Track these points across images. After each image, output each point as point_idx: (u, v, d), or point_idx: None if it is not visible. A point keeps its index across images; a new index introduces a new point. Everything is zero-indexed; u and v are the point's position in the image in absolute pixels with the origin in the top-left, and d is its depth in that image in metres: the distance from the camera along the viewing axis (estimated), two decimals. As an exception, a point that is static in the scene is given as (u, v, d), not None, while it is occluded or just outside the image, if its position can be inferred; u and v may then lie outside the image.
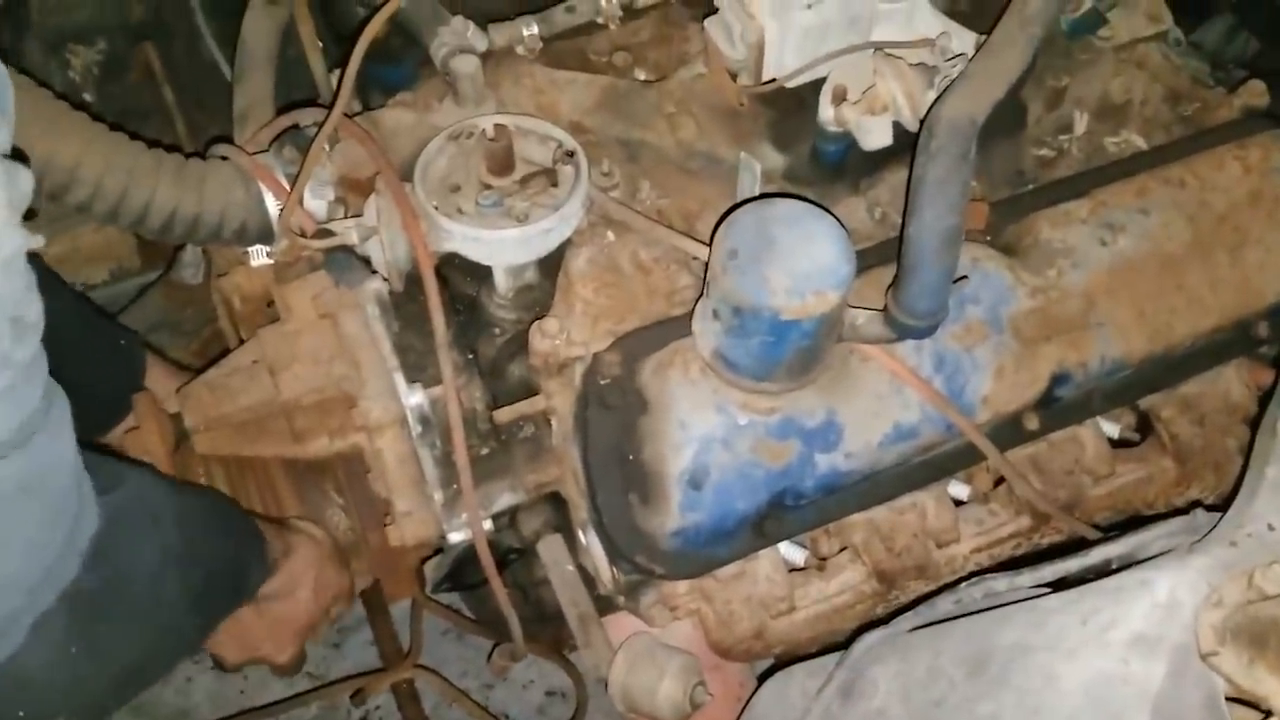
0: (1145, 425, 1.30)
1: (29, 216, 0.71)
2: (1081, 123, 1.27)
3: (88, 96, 1.72)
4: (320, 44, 1.35)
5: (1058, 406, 1.16)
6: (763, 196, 0.97)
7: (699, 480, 1.01)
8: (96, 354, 1.26)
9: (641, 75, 1.29)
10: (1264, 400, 0.89)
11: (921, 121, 0.92)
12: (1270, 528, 0.80)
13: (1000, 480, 1.24)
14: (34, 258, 1.15)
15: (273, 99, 1.28)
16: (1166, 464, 1.27)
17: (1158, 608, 0.77)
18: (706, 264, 0.95)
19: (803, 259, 0.87)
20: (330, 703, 1.97)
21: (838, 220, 0.91)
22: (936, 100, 0.92)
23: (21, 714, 0.87)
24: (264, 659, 1.26)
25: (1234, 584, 0.76)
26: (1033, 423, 1.16)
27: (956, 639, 0.89)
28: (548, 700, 2.06)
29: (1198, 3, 1.57)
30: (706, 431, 1.00)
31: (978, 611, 0.92)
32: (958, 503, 1.23)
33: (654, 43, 1.31)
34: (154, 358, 1.35)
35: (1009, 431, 1.15)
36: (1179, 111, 1.30)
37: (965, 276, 1.01)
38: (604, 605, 1.24)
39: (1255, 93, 1.28)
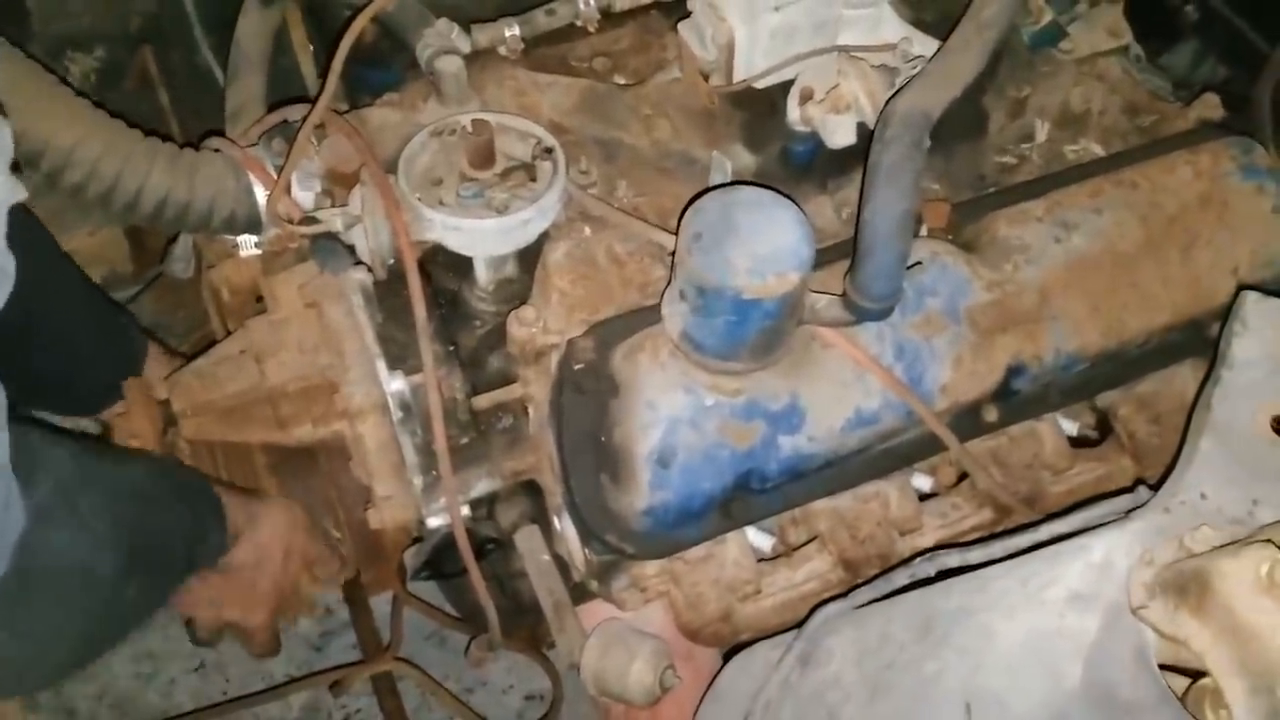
0: (1104, 425, 1.34)
1: (15, 170, 0.74)
2: (1043, 131, 1.33)
3: (86, 103, 1.78)
4: (310, 48, 1.40)
5: (1016, 400, 1.21)
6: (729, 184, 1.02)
7: (667, 459, 1.05)
8: (100, 334, 1.30)
9: (621, 80, 1.34)
10: (1204, 380, 0.94)
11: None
12: (1202, 496, 0.84)
13: (963, 476, 1.29)
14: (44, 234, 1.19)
15: (264, 98, 1.33)
16: (1125, 463, 1.31)
17: (1093, 568, 0.81)
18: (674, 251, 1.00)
19: (765, 241, 0.92)
20: (313, 702, 2.00)
21: (799, 206, 0.96)
22: (893, 95, 0.97)
23: None
24: (234, 624, 1.29)
25: (1165, 546, 0.80)
26: (991, 415, 1.20)
27: (906, 607, 0.93)
28: (526, 704, 2.08)
29: (1166, 27, 1.62)
30: (674, 412, 1.04)
31: (928, 582, 0.96)
32: (922, 496, 1.27)
33: (633, 50, 1.37)
34: (152, 345, 1.39)
35: (968, 422, 1.19)
36: (1136, 123, 1.35)
37: (919, 262, 1.06)
38: (579, 594, 1.28)
39: (1209, 105, 1.34)
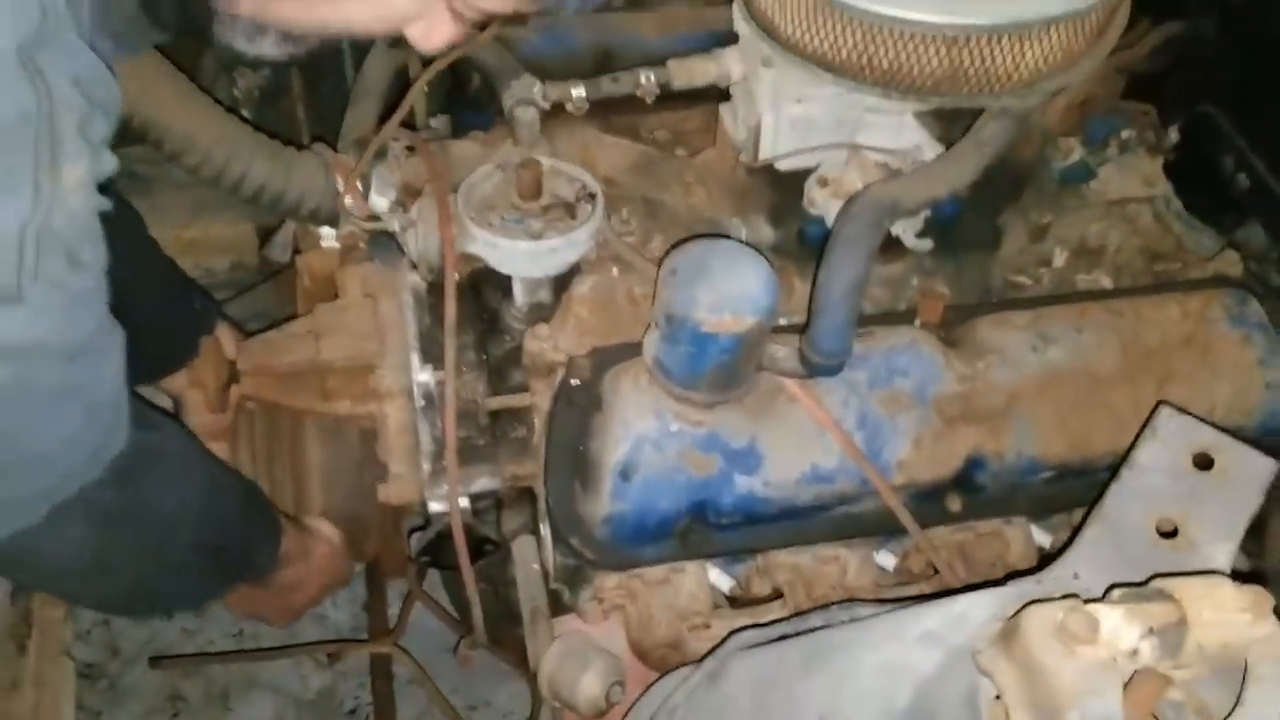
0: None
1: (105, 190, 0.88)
2: (1060, 258, 1.41)
3: (245, 114, 2.03)
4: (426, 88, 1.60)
5: (981, 496, 1.28)
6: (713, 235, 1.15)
7: (629, 473, 1.17)
8: (175, 305, 1.50)
9: (683, 154, 1.49)
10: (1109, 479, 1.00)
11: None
12: (1075, 576, 0.91)
13: (937, 571, 1.35)
14: (136, 224, 1.40)
15: (375, 122, 1.53)
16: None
17: (950, 615, 0.89)
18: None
19: (729, 284, 1.04)
20: (328, 688, 2.14)
21: (771, 265, 1.08)
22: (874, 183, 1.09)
23: (20, 577, 1.05)
24: (264, 621, 1.48)
25: (1019, 606, 0.87)
26: (955, 504, 1.28)
27: (804, 640, 1.02)
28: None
29: (1216, 192, 1.68)
30: (642, 431, 1.16)
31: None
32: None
33: (699, 131, 1.52)
34: (227, 324, 1.59)
35: (931, 508, 1.26)
36: (1154, 267, 1.42)
37: (871, 331, 1.16)
38: (557, 608, 1.39)
39: (1228, 262, 1.41)
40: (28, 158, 0.78)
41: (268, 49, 0.95)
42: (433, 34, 0.95)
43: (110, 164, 0.89)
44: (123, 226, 1.42)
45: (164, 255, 1.50)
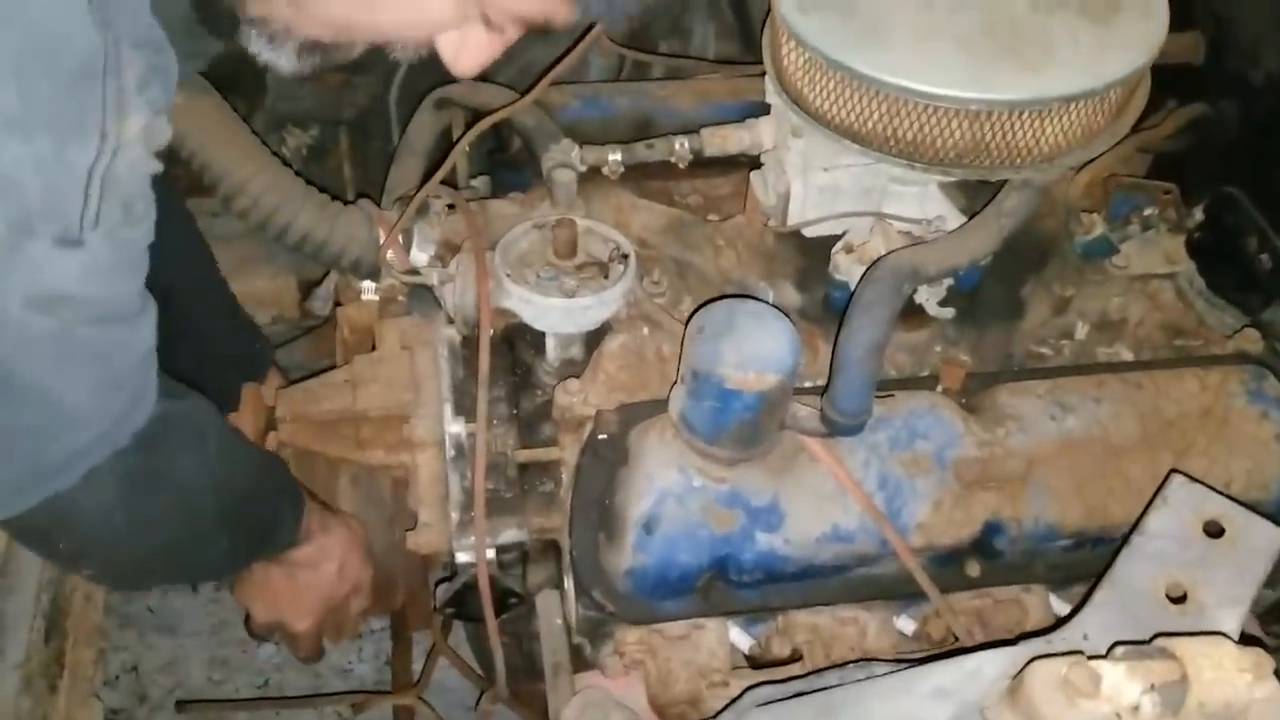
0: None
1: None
2: (1082, 330, 1.44)
3: (294, 170, 2.11)
4: (468, 149, 1.66)
5: (1000, 562, 1.29)
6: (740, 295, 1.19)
7: (652, 526, 1.19)
8: (231, 344, 1.55)
9: (714, 219, 1.54)
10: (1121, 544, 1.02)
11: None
12: (1085, 637, 0.93)
13: (957, 639, 1.36)
14: (208, 257, 1.47)
15: (418, 180, 1.59)
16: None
17: (963, 672, 0.91)
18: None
19: (754, 342, 1.08)
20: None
21: (793, 326, 1.11)
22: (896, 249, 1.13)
23: (61, 546, 1.09)
24: (285, 624, 1.47)
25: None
26: (974, 569, 1.29)
27: (819, 696, 1.03)
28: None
29: (1240, 271, 1.70)
30: (666, 485, 1.19)
31: (849, 681, 1.06)
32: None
33: (730, 197, 1.57)
34: (275, 370, 1.64)
35: (950, 572, 1.28)
36: (1175, 343, 1.44)
37: (892, 394, 1.19)
38: (579, 664, 1.41)
39: (1249, 339, 1.43)
40: (97, 99, 0.80)
41: (284, 60, 0.92)
42: (465, 51, 0.90)
43: (166, 134, 0.91)
44: (194, 254, 1.49)
45: (230, 293, 1.56)
